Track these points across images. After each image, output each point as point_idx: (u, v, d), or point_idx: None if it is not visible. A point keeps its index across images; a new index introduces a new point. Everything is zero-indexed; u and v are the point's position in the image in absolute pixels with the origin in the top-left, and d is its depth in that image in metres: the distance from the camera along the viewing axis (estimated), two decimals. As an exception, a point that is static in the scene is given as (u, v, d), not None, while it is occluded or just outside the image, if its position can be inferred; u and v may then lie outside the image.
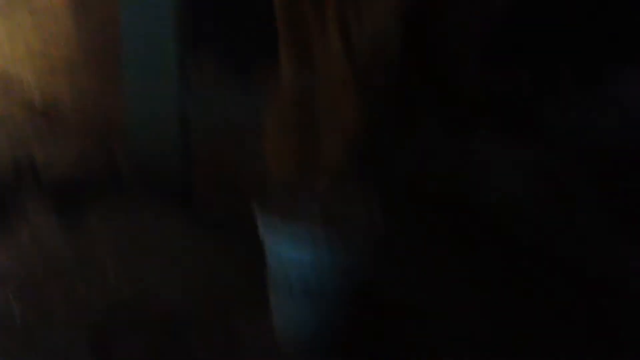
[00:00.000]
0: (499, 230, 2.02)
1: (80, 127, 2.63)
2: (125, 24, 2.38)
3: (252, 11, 2.17)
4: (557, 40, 1.95)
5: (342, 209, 1.75)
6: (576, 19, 1.93)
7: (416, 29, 1.80)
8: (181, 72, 2.37)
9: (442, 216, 2.05)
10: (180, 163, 2.43)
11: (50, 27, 2.67)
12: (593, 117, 1.97)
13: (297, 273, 1.69)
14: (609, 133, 1.96)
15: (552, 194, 2.02)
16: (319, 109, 1.72)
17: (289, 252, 1.68)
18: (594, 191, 1.98)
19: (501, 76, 2.04)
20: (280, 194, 1.78)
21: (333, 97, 1.68)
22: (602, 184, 1.97)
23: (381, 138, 1.84)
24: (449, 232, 2.06)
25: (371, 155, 1.75)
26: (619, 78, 1.97)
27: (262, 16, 1.81)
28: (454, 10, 1.95)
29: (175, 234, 2.19)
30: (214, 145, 2.43)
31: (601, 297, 1.88)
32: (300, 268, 1.67)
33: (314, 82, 1.71)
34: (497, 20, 1.96)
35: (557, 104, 2.02)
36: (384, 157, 1.98)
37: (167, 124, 2.40)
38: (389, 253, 1.81)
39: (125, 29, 2.39)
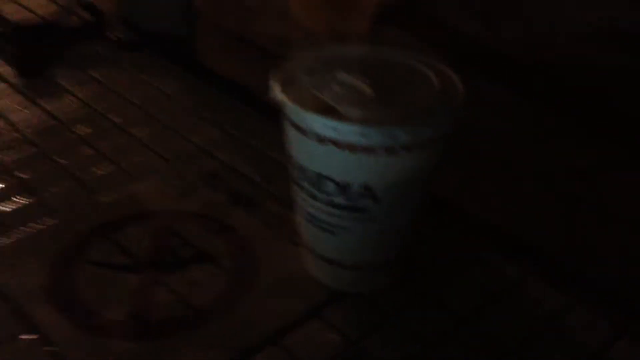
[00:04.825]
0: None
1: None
2: None
3: None
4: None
5: (397, 71, 1.23)
6: None
7: None
8: None
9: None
10: (179, 12, 2.17)
11: None
12: None
13: (335, 173, 1.15)
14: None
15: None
16: None
17: (322, 141, 1.11)
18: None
19: None
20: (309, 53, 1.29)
21: None
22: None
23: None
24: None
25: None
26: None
27: None
28: None
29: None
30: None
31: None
32: (340, 165, 1.14)
33: None
34: None
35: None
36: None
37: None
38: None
39: None
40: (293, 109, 1.14)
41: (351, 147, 1.10)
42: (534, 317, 1.30)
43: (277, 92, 1.17)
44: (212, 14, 2.19)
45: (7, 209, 1.51)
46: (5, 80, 2.01)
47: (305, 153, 1.18)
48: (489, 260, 1.42)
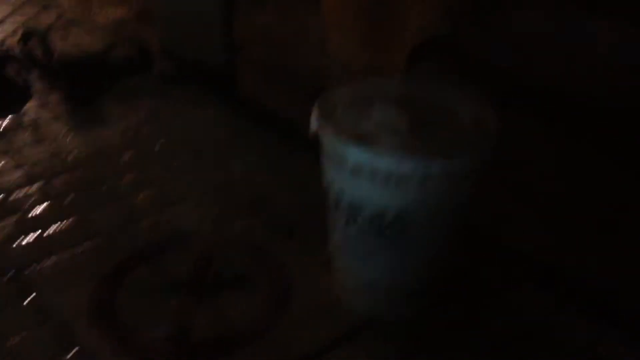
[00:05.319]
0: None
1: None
2: None
3: None
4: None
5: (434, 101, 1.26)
6: None
7: None
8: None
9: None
10: (220, 44, 2.22)
11: None
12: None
13: (370, 202, 1.18)
14: None
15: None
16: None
17: (358, 171, 1.14)
18: None
19: None
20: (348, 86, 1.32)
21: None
22: None
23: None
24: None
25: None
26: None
27: None
28: None
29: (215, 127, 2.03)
30: (260, 22, 2.20)
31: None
32: (375, 194, 1.16)
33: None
34: None
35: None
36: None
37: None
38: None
39: None
40: (331, 140, 1.18)
41: (386, 177, 1.14)
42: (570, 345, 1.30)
43: (316, 124, 1.21)
44: (251, 46, 2.27)
45: (52, 231, 1.57)
46: (54, 110, 2.10)
47: (341, 182, 1.22)
48: (522, 289, 1.43)
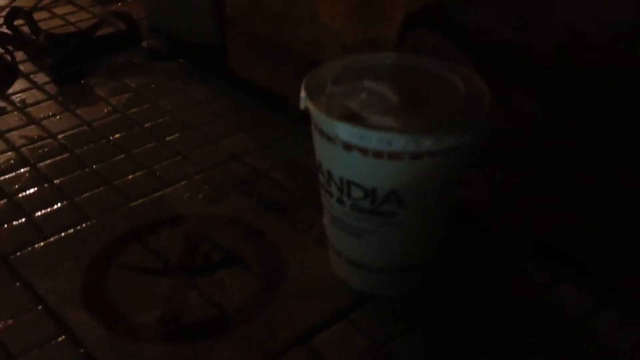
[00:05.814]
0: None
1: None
2: None
3: None
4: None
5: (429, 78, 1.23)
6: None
7: None
8: None
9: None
10: (209, 18, 2.18)
11: None
12: None
13: (362, 179, 1.16)
14: None
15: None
16: None
17: (349, 149, 1.13)
18: None
19: None
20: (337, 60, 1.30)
21: None
22: None
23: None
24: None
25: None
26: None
27: None
28: None
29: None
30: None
31: None
32: (367, 171, 1.15)
33: None
34: None
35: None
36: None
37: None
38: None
39: None
40: (320, 117, 1.16)
41: (377, 154, 1.12)
42: (564, 321, 1.29)
43: (306, 100, 1.18)
44: (241, 20, 2.23)
45: (42, 214, 1.55)
46: (42, 89, 2.07)
47: (332, 159, 1.19)
48: (520, 266, 1.42)
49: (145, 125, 1.88)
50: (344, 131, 1.12)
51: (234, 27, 2.22)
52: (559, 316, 1.30)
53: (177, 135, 1.84)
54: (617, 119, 1.30)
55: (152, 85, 2.08)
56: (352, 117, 1.14)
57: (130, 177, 1.67)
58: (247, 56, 2.21)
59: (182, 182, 1.65)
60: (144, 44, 2.29)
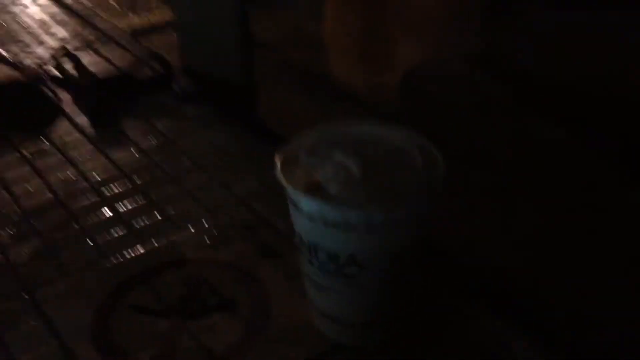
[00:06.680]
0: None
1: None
2: None
3: None
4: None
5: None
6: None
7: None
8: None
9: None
10: (237, 62, 2.32)
11: None
12: None
13: (325, 244, 1.30)
14: None
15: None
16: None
17: (312, 218, 1.27)
18: None
19: None
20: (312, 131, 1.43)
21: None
22: None
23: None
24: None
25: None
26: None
27: None
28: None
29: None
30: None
31: None
32: (328, 238, 1.29)
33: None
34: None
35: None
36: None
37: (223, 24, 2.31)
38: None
39: None
40: (288, 188, 1.30)
41: (335, 224, 1.25)
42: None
43: (277, 171, 1.33)
44: (274, 49, 2.38)
45: (68, 252, 1.75)
46: (81, 130, 2.29)
47: (300, 225, 1.34)
48: (478, 316, 1.52)
49: (167, 169, 2.07)
50: (306, 203, 1.27)
51: (265, 58, 2.35)
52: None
53: (194, 179, 2.02)
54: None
55: (179, 129, 2.27)
56: (318, 188, 1.29)
57: (148, 222, 1.85)
58: (269, 104, 2.35)
59: (192, 227, 1.82)
60: (176, 86, 2.48)
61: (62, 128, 2.31)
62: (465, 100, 1.81)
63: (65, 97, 2.46)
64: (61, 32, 2.94)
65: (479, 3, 1.86)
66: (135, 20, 3.09)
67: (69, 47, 2.75)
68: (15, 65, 2.61)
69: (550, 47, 1.69)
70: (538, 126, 1.75)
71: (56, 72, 2.56)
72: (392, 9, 1.93)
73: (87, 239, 1.80)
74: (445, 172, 1.30)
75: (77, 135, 2.27)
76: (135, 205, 1.92)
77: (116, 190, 1.99)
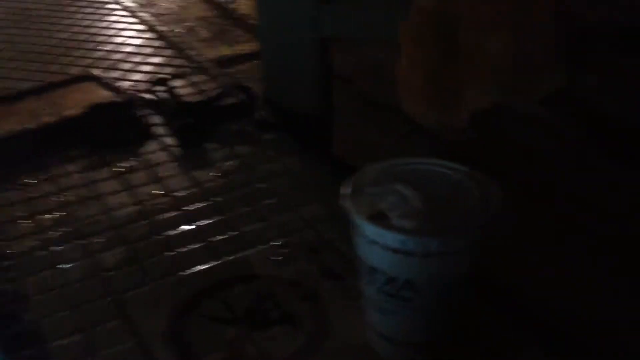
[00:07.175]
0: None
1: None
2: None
3: None
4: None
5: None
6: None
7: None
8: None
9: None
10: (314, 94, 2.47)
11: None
12: None
13: (384, 268, 1.41)
14: None
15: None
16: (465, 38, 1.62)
17: (373, 243, 1.39)
18: None
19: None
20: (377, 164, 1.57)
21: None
22: None
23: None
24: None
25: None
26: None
27: None
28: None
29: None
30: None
31: None
32: (387, 263, 1.40)
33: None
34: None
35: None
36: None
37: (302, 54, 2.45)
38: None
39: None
40: (352, 214, 1.43)
41: (394, 250, 1.37)
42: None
43: (343, 198, 1.46)
44: (344, 101, 2.53)
45: (150, 261, 1.92)
46: (168, 151, 2.48)
47: (362, 249, 1.46)
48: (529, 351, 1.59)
49: (243, 190, 2.23)
50: (369, 229, 1.39)
51: (342, 90, 2.50)
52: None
53: (266, 201, 2.17)
54: None
55: (256, 155, 2.43)
56: (380, 216, 1.40)
57: (222, 238, 2.01)
58: (351, 122, 2.48)
59: (263, 246, 1.97)
60: (257, 115, 2.65)
61: (151, 147, 2.50)
62: (540, 140, 1.90)
63: (156, 119, 2.67)
64: (156, 60, 3.16)
65: (554, 48, 1.95)
66: (224, 50, 3.29)
67: (162, 74, 2.97)
68: (114, 89, 2.84)
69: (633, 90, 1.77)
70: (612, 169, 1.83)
71: (149, 96, 2.78)
72: (465, 52, 2.03)
73: (167, 250, 1.96)
74: (500, 207, 1.40)
75: (164, 155, 2.46)
76: (211, 221, 2.08)
77: (195, 207, 2.16)
